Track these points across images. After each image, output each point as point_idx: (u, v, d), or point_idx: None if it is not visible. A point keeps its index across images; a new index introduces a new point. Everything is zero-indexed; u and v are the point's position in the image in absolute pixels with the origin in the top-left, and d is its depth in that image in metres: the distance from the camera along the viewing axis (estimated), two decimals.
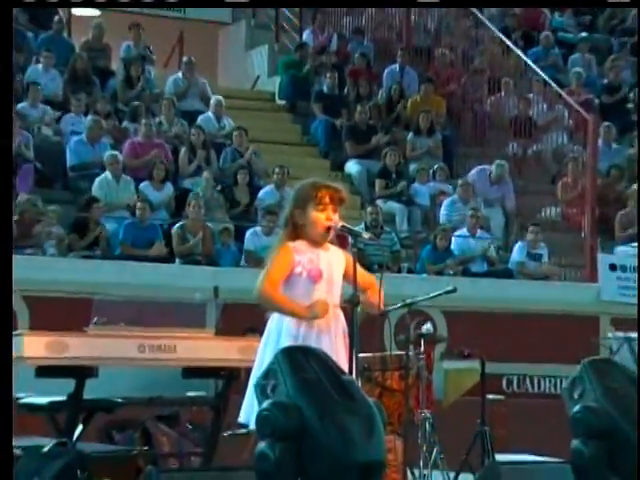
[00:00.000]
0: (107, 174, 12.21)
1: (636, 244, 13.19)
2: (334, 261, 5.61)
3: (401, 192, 13.59)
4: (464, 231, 12.86)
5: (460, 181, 13.45)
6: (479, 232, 12.91)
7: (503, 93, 15.13)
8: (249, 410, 5.43)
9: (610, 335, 8.78)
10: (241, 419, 5.53)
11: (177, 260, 11.66)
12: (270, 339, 5.53)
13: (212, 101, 14.05)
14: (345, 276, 5.62)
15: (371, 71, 15.63)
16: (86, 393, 6.49)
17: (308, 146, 14.73)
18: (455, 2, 15.54)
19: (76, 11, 15.47)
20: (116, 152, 12.45)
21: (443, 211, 13.29)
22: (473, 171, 13.93)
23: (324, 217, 5.56)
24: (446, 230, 12.70)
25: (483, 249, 12.85)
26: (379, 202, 13.12)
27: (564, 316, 11.71)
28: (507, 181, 13.92)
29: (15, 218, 11.30)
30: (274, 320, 5.58)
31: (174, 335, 6.59)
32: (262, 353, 5.52)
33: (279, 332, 5.51)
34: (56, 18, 14.40)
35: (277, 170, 12.72)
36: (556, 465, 6.04)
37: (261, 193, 12.74)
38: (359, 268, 5.62)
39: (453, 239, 12.75)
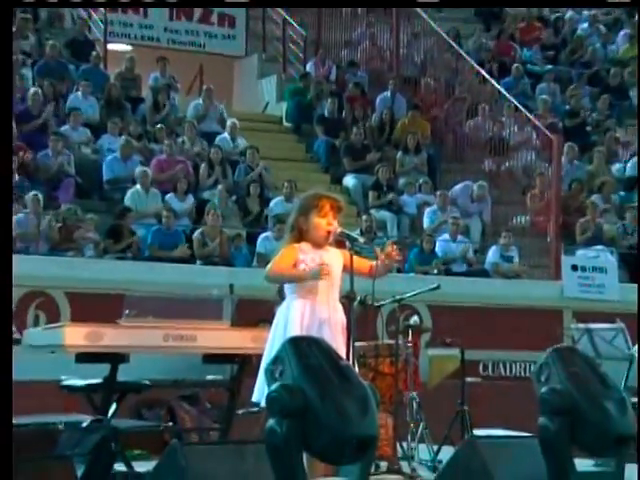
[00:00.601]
0: (138, 187, 12.21)
1: (596, 247, 13.21)
2: (333, 260, 5.63)
3: (391, 202, 13.59)
4: (446, 236, 12.86)
5: (438, 192, 13.45)
6: (459, 237, 12.92)
7: (480, 117, 15.12)
8: (260, 391, 5.45)
9: (572, 326, 8.76)
10: (254, 398, 5.56)
11: (197, 261, 11.65)
12: (278, 329, 5.55)
13: (228, 123, 14.05)
14: (345, 269, 5.64)
15: (365, 97, 15.62)
16: (119, 376, 6.48)
17: (311, 162, 14.73)
18: (455, 2, 15.23)
19: (111, 46, 15.44)
20: (145, 168, 12.45)
21: (426, 218, 13.28)
22: (458, 186, 13.91)
23: (325, 223, 5.59)
24: (431, 235, 12.72)
25: (463, 252, 12.84)
26: (372, 211, 13.13)
27: (532, 310, 11.71)
28: (486, 199, 13.92)
29: (58, 225, 11.31)
30: (282, 312, 5.59)
31: (195, 326, 6.58)
32: (271, 341, 5.54)
33: (286, 323, 5.52)
34: (94, 53, 14.42)
35: (286, 184, 12.70)
36: (525, 439, 6.03)
37: (272, 204, 12.72)
38: (358, 258, 5.66)
39: (437, 243, 12.75)
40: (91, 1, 15.13)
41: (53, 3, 14.65)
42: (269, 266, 5.60)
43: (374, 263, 5.85)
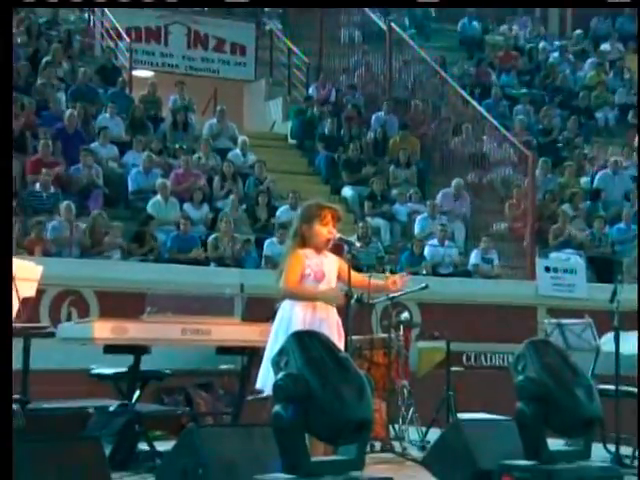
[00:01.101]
0: (158, 197, 12.20)
1: (567, 251, 13.20)
2: (332, 266, 5.62)
3: (385, 211, 13.58)
4: (435, 241, 12.85)
5: (428, 202, 13.44)
6: (446, 242, 12.90)
7: (463, 135, 15.09)
8: (263, 379, 5.44)
9: (545, 321, 8.73)
10: (258, 385, 5.54)
11: (211, 263, 11.64)
12: (281, 325, 5.52)
13: (239, 140, 14.04)
14: (338, 277, 5.63)
15: (361, 117, 15.60)
16: (142, 366, 6.47)
17: (313, 175, 14.71)
18: (455, 2, 14.92)
19: (135, 72, 15.44)
20: (165, 180, 12.43)
21: (417, 225, 13.26)
22: (439, 194, 13.92)
23: (326, 231, 5.57)
24: (420, 240, 12.71)
25: (449, 255, 12.84)
26: (368, 219, 13.10)
27: (510, 307, 11.69)
28: (465, 196, 13.92)
29: (88, 231, 11.30)
30: (285, 310, 5.57)
31: (209, 321, 6.57)
32: (274, 335, 5.52)
33: (289, 319, 5.50)
34: (120, 78, 14.42)
35: (291, 195, 12.66)
36: (504, 422, 6.02)
37: (279, 212, 12.70)
38: (354, 273, 5.67)
39: (426, 247, 12.73)
40: (91, 1, 14.96)
41: (53, 3, 14.54)
42: (284, 281, 5.50)
43: (370, 280, 5.83)
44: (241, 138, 14.07)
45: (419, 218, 13.31)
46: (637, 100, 16.22)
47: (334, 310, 5.60)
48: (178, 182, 12.67)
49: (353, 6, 16.87)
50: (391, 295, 7.91)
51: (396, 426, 7.68)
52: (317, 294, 5.48)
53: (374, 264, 11.73)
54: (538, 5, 18.97)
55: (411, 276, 6.05)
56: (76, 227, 11.20)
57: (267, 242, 11.92)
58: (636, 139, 16.19)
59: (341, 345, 5.39)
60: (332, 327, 5.52)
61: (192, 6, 15.89)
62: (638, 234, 13.32)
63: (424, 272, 12.18)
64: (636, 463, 6.81)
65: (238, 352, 6.77)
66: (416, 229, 13.20)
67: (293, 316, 5.48)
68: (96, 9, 15.85)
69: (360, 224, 12.57)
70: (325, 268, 5.55)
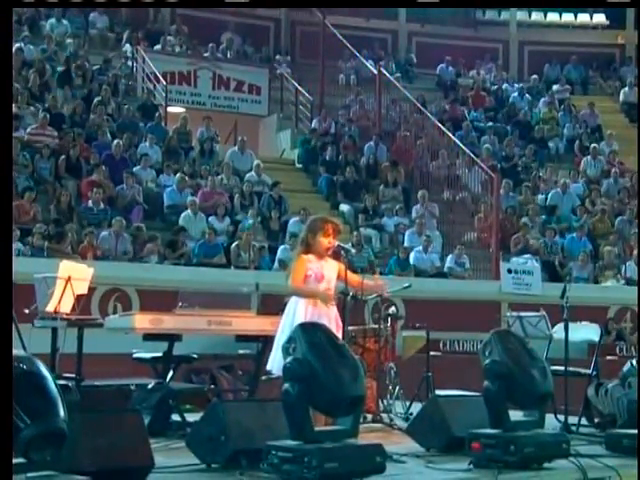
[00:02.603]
0: (189, 211, 12.19)
1: (525, 256, 13.18)
2: (331, 269, 5.65)
3: (375, 223, 13.57)
4: (420, 249, 12.82)
5: (417, 221, 13.32)
6: (430, 249, 12.87)
7: (440, 160, 15.10)
8: (272, 362, 5.45)
9: (508, 314, 8.71)
10: (268, 367, 5.57)
11: (232, 266, 11.62)
12: (288, 317, 5.55)
13: (254, 165, 14.02)
14: (338, 277, 5.64)
15: (356, 146, 15.60)
16: (175, 351, 6.47)
17: (316, 193, 14.69)
18: (455, 2, 14.20)
19: (170, 109, 15.44)
20: (194, 197, 12.42)
21: (406, 238, 13.20)
22: (413, 210, 13.89)
23: (327, 241, 5.61)
24: (406, 249, 12.68)
25: (431, 260, 12.82)
26: (361, 229, 13.09)
27: (478, 302, 11.67)
28: (433, 205, 13.92)
29: (131, 240, 11.30)
30: (291, 305, 5.59)
31: (230, 314, 6.56)
32: (282, 326, 5.54)
33: (294, 313, 5.53)
34: (157, 114, 14.41)
35: (302, 211, 12.62)
36: (474, 397, 6.00)
37: (290, 223, 12.67)
38: (350, 273, 5.68)
39: (412, 254, 12.69)
40: (91, 1, 14.66)
41: (53, 3, 14.30)
42: (290, 278, 5.58)
43: (364, 280, 5.86)
44: (256, 162, 14.05)
45: (407, 233, 13.27)
46: (637, 100, 16.09)
47: (333, 306, 5.60)
48: (205, 199, 12.67)
49: (351, 6, 16.60)
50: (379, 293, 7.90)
51: (384, 401, 7.65)
52: (313, 293, 5.48)
53: (366, 267, 11.73)
54: (537, 5, 18.67)
55: (389, 283, 6.12)
56: (122, 236, 11.21)
57: (281, 248, 11.90)
58: (582, 165, 16.23)
59: (340, 334, 5.39)
60: (331, 319, 5.54)
61: (192, 6, 15.62)
62: (638, 234, 13.27)
63: (412, 275, 12.18)
64: (581, 430, 6.81)
65: (254, 340, 6.76)
66: (405, 242, 13.16)
67: (297, 310, 5.50)
68: (139, 58, 15.87)
69: (355, 234, 12.56)
70: (325, 271, 5.57)
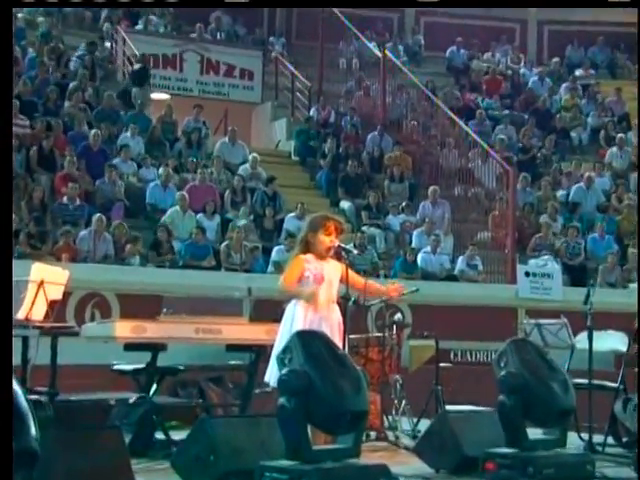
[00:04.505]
0: (177, 208, 12.18)
1: (544, 257, 13.19)
2: (332, 270, 5.65)
3: (379, 222, 13.58)
4: (428, 250, 12.84)
5: (426, 220, 13.33)
6: (438, 250, 12.88)
7: (451, 153, 15.10)
8: (270, 373, 5.45)
9: (525, 322, 8.71)
10: (265, 379, 5.55)
11: (222, 268, 11.62)
12: (286, 324, 5.55)
13: (250, 157, 14.00)
14: (341, 279, 5.65)
15: (358, 137, 15.61)
16: (159, 362, 6.47)
17: (314, 189, 14.70)
18: (455, 2, 14.50)
19: (153, 95, 15.46)
20: (184, 193, 12.41)
21: (414, 238, 13.19)
22: (420, 207, 13.89)
23: (328, 240, 5.62)
24: (414, 249, 12.69)
25: (440, 262, 12.82)
26: (364, 228, 13.10)
27: (493, 308, 11.67)
28: (442, 201, 13.88)
29: (111, 240, 11.30)
30: (289, 311, 5.60)
31: (220, 321, 6.56)
32: (280, 334, 5.54)
33: (292, 318, 5.52)
34: (139, 101, 14.40)
35: (299, 206, 12.64)
36: (487, 413, 6.01)
37: (286, 220, 12.67)
38: (353, 273, 5.68)
39: (419, 255, 12.70)
40: (91, 1, 14.91)
41: (53, 3, 14.51)
42: (281, 279, 5.61)
43: (368, 281, 5.88)
44: (252, 155, 14.04)
45: (415, 232, 13.28)
46: (637, 101, 16.16)
47: (335, 309, 5.60)
48: (192, 195, 12.64)
49: (351, 6, 16.71)
50: (385, 298, 7.91)
51: (389, 417, 7.66)
52: (298, 292, 5.51)
53: (369, 269, 11.73)
54: (538, 5, 18.75)
55: (404, 285, 6.14)
56: (101, 236, 11.21)
57: (275, 249, 11.91)
58: (607, 157, 16.22)
59: (341, 342, 5.39)
60: (333, 325, 5.53)
61: (192, 6, 15.75)
62: (638, 236, 13.28)
63: (420, 278, 12.17)
64: (607, 450, 6.81)
65: (246, 349, 6.77)
66: (413, 242, 13.16)
67: (296, 315, 5.51)
68: (118, 39, 15.87)
69: (357, 233, 12.56)
70: (325, 272, 5.57)
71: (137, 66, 15.09)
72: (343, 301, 5.66)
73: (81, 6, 15.48)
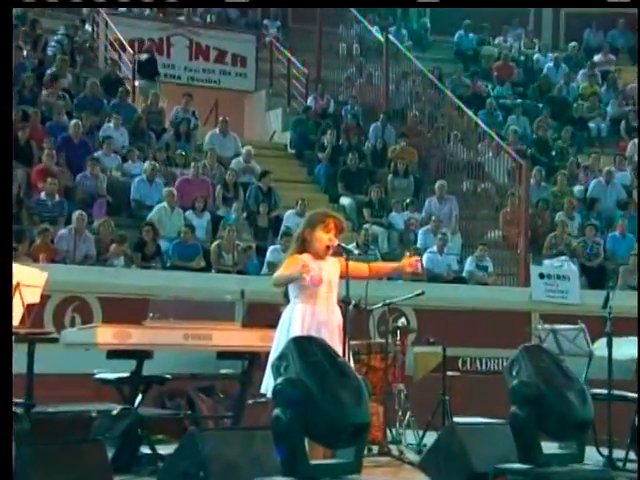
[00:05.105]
0: (164, 205, 12.18)
1: (560, 258, 13.19)
2: (332, 269, 5.64)
3: (382, 220, 13.58)
4: (435, 249, 12.84)
5: (433, 217, 13.35)
6: (445, 250, 12.89)
7: (459, 145, 15.11)
8: (267, 383, 5.44)
9: (539, 327, 8.72)
10: (262, 390, 5.53)
11: (213, 270, 11.62)
12: (282, 330, 5.54)
13: (243, 150, 14.00)
14: (341, 275, 5.64)
15: (360, 128, 15.61)
16: (144, 370, 6.47)
17: (312, 184, 14.71)
18: (455, 2, 14.88)
19: (137, 82, 15.47)
20: (172, 188, 12.41)
21: (419, 237, 13.21)
22: (426, 204, 13.91)
23: (327, 238, 5.61)
24: (418, 249, 12.67)
25: (447, 263, 12.83)
26: (366, 227, 13.09)
27: (505, 312, 11.67)
28: (450, 197, 13.91)
29: (94, 237, 11.30)
30: (286, 315, 5.58)
31: (210, 327, 6.57)
32: (277, 340, 5.53)
33: (289, 323, 5.51)
34: (122, 89, 14.38)
35: (300, 202, 12.63)
36: (499, 425, 6.02)
37: (285, 219, 12.67)
38: (354, 263, 5.65)
39: (425, 256, 12.71)
40: (91, 1, 15.02)
41: (53, 3, 14.57)
42: (275, 273, 5.63)
43: (371, 265, 5.85)
44: (245, 148, 14.04)
45: (420, 231, 13.29)
46: (637, 101, 16.18)
47: (336, 311, 5.59)
48: (180, 191, 12.64)
49: (353, 6, 16.76)
50: (388, 301, 7.93)
51: (393, 429, 7.67)
52: (291, 275, 5.44)
53: None
54: (540, 5, 18.82)
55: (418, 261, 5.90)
56: (82, 235, 11.20)
57: (270, 249, 11.91)
58: (628, 149, 16.22)
59: (342, 348, 5.39)
60: (333, 330, 5.51)
61: (192, 6, 15.81)
62: (638, 239, 13.30)
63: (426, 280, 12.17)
64: (628, 466, 6.81)
65: (238, 357, 6.77)
66: (418, 241, 13.16)
67: (293, 320, 5.50)
68: (100, 21, 15.88)
69: (360, 233, 12.57)
70: (323, 273, 5.57)
71: (144, 56, 15.04)
72: (343, 305, 5.65)
73: (81, 6, 15.49)
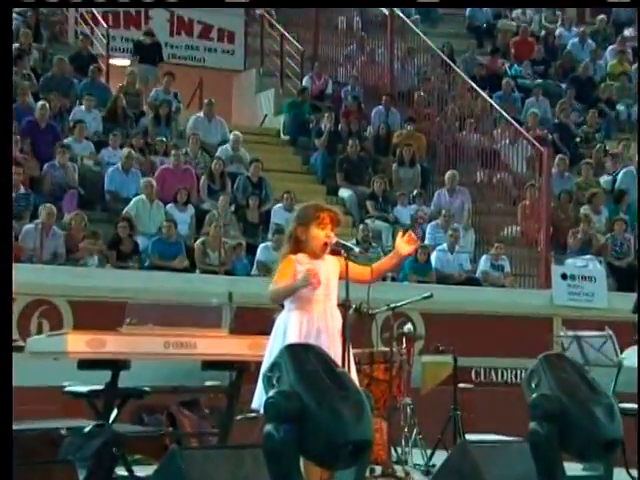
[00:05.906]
0: (142, 197, 12.18)
1: (585, 257, 13.21)
2: (330, 270, 5.62)
3: (386, 213, 13.60)
4: (445, 247, 12.85)
5: (443, 211, 13.39)
6: (457, 248, 12.91)
7: (472, 131, 15.12)
8: (260, 398, 5.42)
9: (562, 334, 8.75)
10: (254, 405, 5.51)
11: (197, 270, 11.63)
12: (277, 337, 5.53)
13: (231, 137, 14.00)
14: (341, 276, 5.63)
15: (361, 111, 15.62)
16: (120, 382, 6.46)
17: (307, 174, 14.73)
18: (455, 2, 15.02)
19: (113, 61, 15.47)
20: (150, 179, 12.41)
21: (427, 234, 13.25)
22: (435, 196, 13.96)
23: (324, 235, 5.58)
24: (426, 247, 12.69)
25: (459, 262, 12.85)
26: (368, 221, 13.12)
27: (523, 317, 11.71)
28: (462, 189, 13.98)
29: (64, 233, 11.30)
30: (281, 321, 5.58)
31: (194, 334, 6.56)
32: (270, 349, 5.52)
33: (284, 332, 5.50)
34: (94, 67, 14.35)
35: (286, 195, 12.66)
36: (517, 444, 6.02)
37: (272, 212, 12.71)
38: (354, 265, 5.64)
39: (434, 254, 12.72)
40: (91, 1, 15.09)
41: (53, 3, 14.63)
42: (270, 287, 5.57)
43: (374, 266, 5.82)
44: (233, 134, 14.04)
45: (428, 226, 13.31)
46: (637, 101, 16.22)
47: (335, 315, 5.59)
48: (160, 182, 12.64)
49: (352, 6, 16.87)
50: (392, 305, 7.93)
51: (398, 448, 7.68)
52: (293, 286, 5.45)
53: None
54: (537, 5, 18.95)
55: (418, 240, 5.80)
56: (50, 231, 11.21)
57: (261, 247, 11.93)
58: None
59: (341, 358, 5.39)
60: (333, 336, 5.50)
61: (192, 6, 15.92)
62: (638, 236, 13.33)
63: (434, 281, 12.21)
64: None
65: (226, 367, 6.76)
66: (426, 238, 13.16)
67: (289, 327, 5.49)
68: None
69: (361, 227, 12.58)
70: (321, 274, 5.56)
71: (146, 40, 15.02)
72: (343, 309, 5.66)
73: (81, 6, 15.52)
